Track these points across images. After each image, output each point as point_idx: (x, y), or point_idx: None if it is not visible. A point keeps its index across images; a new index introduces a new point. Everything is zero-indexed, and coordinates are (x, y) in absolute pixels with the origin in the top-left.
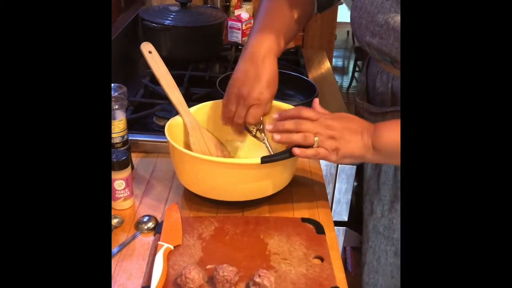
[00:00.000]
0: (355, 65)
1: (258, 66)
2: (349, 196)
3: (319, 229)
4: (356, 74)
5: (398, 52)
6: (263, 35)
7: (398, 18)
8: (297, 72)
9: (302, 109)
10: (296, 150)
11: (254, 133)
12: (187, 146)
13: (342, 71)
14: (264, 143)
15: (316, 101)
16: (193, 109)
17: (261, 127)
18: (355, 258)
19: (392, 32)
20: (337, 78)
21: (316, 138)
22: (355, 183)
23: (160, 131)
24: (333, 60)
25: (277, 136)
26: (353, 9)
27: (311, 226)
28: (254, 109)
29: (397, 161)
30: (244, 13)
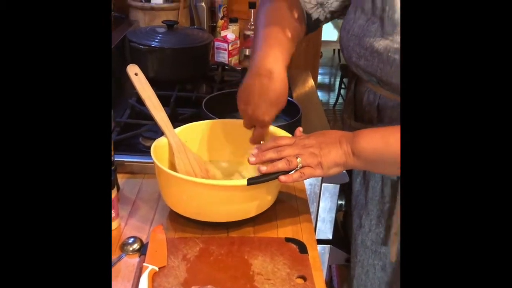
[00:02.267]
0: (341, 82)
1: (263, 82)
2: (333, 215)
3: (302, 248)
4: (342, 91)
5: (382, 73)
6: (269, 49)
7: (382, 42)
8: None
9: (277, 138)
10: (282, 178)
11: None
12: (173, 166)
13: (328, 88)
14: None
15: (299, 130)
16: (179, 129)
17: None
18: (340, 276)
19: (377, 55)
20: (324, 95)
21: (298, 159)
22: (339, 202)
23: (147, 151)
24: (320, 77)
25: (262, 168)
26: (341, 31)
27: (294, 246)
28: (257, 130)
29: (378, 166)
30: (230, 34)
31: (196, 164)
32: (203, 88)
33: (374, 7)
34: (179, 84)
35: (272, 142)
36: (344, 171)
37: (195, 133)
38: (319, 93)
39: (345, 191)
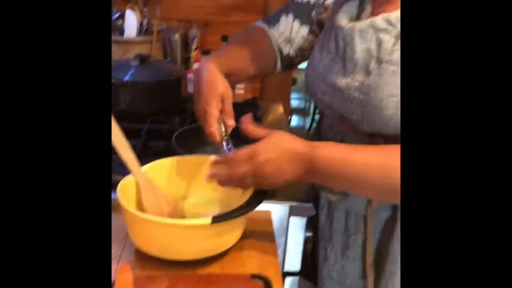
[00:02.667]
0: (315, 107)
1: (199, 79)
2: (302, 247)
3: (267, 285)
4: (316, 116)
5: (344, 109)
6: (213, 57)
7: (344, 80)
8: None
9: (234, 155)
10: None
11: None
12: (141, 204)
13: (304, 112)
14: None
15: (247, 119)
16: (147, 166)
17: (223, 131)
18: None
19: (339, 92)
20: (299, 119)
21: (250, 181)
22: (306, 234)
23: (116, 187)
24: (296, 102)
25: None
26: (308, 67)
27: (260, 282)
28: (206, 121)
29: (333, 182)
30: None
31: (164, 201)
32: (175, 120)
33: (337, 47)
34: (151, 117)
35: (227, 158)
36: (311, 204)
37: (164, 169)
38: (294, 118)
39: (312, 223)
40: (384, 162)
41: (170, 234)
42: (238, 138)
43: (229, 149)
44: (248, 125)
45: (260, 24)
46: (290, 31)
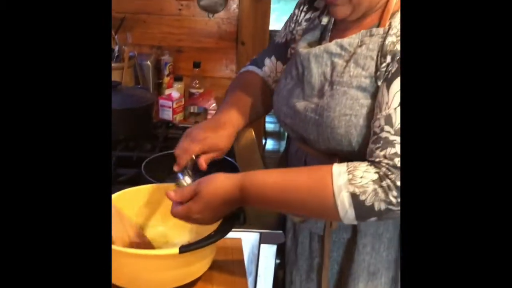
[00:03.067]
0: None
1: (218, 124)
2: (272, 274)
3: None
4: None
5: (303, 130)
6: (228, 110)
7: (302, 103)
8: None
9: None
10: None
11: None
12: None
13: (278, 136)
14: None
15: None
16: (115, 196)
17: (188, 171)
18: None
19: (298, 115)
20: (274, 143)
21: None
22: (277, 261)
23: None
24: (272, 126)
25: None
26: (274, 94)
27: None
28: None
29: (269, 206)
30: (174, 92)
31: (132, 231)
32: (147, 146)
33: (298, 72)
34: (122, 143)
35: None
36: (281, 232)
37: (133, 198)
38: (269, 141)
39: (282, 250)
40: (313, 181)
41: (138, 264)
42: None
43: (184, 180)
44: (172, 196)
45: (251, 68)
46: (275, 72)
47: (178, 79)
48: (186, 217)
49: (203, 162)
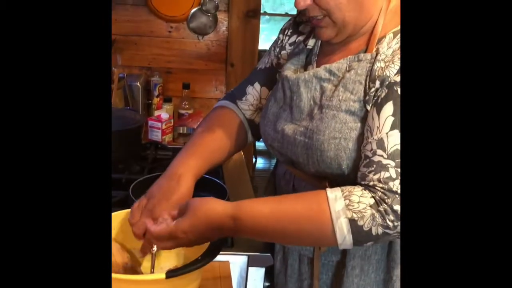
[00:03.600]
0: None
1: (171, 185)
2: None
3: None
4: None
5: (292, 153)
6: (186, 157)
7: (291, 126)
8: (213, 171)
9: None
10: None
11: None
12: None
13: (268, 154)
14: (151, 254)
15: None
16: None
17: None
18: None
19: (286, 138)
20: (264, 161)
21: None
22: (265, 283)
23: None
24: (261, 144)
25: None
26: (261, 117)
27: None
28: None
29: (262, 237)
30: (164, 113)
31: (119, 255)
32: (135, 168)
33: (285, 96)
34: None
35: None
36: (269, 254)
37: (120, 222)
38: (260, 160)
39: (271, 273)
40: (309, 208)
41: None
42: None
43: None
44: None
45: (225, 103)
46: (259, 99)
47: (167, 100)
48: (169, 234)
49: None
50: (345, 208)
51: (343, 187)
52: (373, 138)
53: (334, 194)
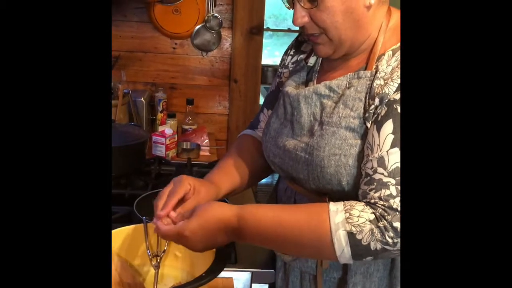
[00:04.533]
0: None
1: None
2: None
3: None
4: None
5: (292, 169)
6: (213, 174)
7: (292, 142)
8: None
9: (162, 234)
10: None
11: (151, 256)
12: None
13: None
14: (155, 270)
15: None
16: None
17: (162, 254)
18: None
19: (288, 153)
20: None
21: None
22: None
23: None
24: None
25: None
26: (263, 134)
27: None
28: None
29: (264, 243)
30: (168, 129)
31: (123, 271)
32: (139, 183)
33: (286, 112)
34: (114, 180)
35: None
36: (273, 271)
37: (125, 237)
38: None
39: None
40: (310, 217)
41: None
42: None
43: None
44: (172, 216)
45: (246, 131)
46: None
47: (171, 115)
48: (177, 235)
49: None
50: (344, 221)
51: (346, 201)
52: (373, 156)
53: (336, 207)
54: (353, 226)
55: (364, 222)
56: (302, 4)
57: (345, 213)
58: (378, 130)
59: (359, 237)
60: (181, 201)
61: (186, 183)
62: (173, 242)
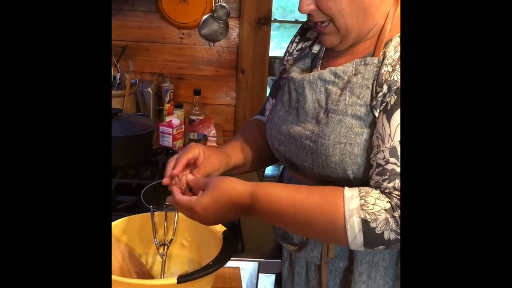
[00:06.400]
0: None
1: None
2: None
3: None
4: None
5: (297, 157)
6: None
7: (296, 128)
8: None
9: (175, 202)
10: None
11: (158, 245)
12: None
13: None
14: (162, 259)
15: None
16: (115, 223)
17: (169, 243)
18: None
19: (293, 141)
20: (273, 168)
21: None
22: None
23: None
24: None
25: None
26: (267, 122)
27: None
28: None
29: (275, 220)
30: (175, 119)
31: (131, 259)
32: (146, 173)
33: (290, 98)
34: (121, 170)
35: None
36: (280, 261)
37: (131, 226)
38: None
39: (281, 279)
40: (324, 200)
41: None
42: None
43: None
44: (190, 178)
45: (257, 116)
46: None
47: (178, 106)
48: (189, 209)
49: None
50: (359, 208)
51: (361, 187)
52: (385, 147)
53: (351, 193)
54: (368, 213)
55: (379, 211)
56: None
57: (360, 200)
58: (389, 120)
59: (373, 225)
60: (194, 167)
61: (195, 149)
62: (183, 213)
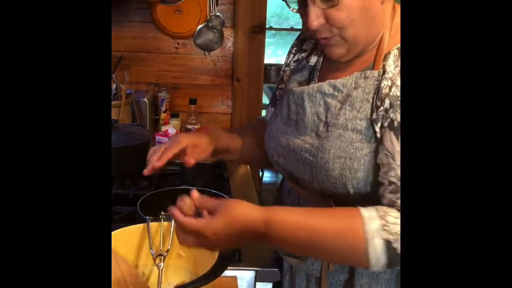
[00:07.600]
0: None
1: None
2: None
3: None
4: None
5: (297, 170)
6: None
7: (296, 141)
8: (219, 186)
9: (182, 226)
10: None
11: (154, 256)
12: None
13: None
14: (158, 269)
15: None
16: (112, 234)
17: (165, 254)
18: None
19: (292, 154)
20: (271, 175)
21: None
22: None
23: None
24: None
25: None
26: (266, 134)
27: None
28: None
29: (291, 247)
30: (171, 128)
31: (127, 270)
32: (143, 183)
33: (290, 111)
34: (118, 180)
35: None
36: (277, 270)
37: (127, 237)
38: (267, 174)
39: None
40: (343, 224)
41: None
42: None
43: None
44: (196, 196)
45: (261, 117)
46: None
47: (174, 115)
48: (196, 233)
49: (190, 159)
50: (380, 229)
51: (377, 207)
52: (396, 164)
53: (369, 213)
54: (390, 234)
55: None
56: (317, 4)
57: (380, 220)
58: (397, 137)
59: (395, 245)
60: (183, 154)
61: (183, 142)
62: (187, 239)
